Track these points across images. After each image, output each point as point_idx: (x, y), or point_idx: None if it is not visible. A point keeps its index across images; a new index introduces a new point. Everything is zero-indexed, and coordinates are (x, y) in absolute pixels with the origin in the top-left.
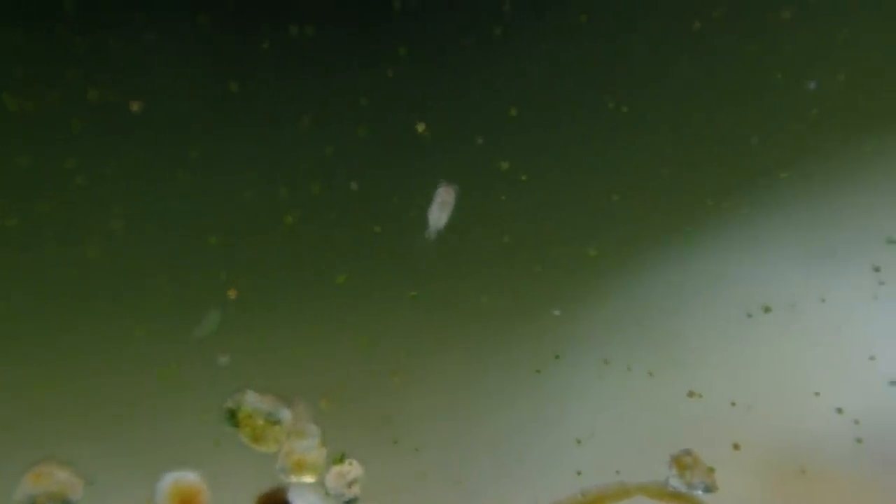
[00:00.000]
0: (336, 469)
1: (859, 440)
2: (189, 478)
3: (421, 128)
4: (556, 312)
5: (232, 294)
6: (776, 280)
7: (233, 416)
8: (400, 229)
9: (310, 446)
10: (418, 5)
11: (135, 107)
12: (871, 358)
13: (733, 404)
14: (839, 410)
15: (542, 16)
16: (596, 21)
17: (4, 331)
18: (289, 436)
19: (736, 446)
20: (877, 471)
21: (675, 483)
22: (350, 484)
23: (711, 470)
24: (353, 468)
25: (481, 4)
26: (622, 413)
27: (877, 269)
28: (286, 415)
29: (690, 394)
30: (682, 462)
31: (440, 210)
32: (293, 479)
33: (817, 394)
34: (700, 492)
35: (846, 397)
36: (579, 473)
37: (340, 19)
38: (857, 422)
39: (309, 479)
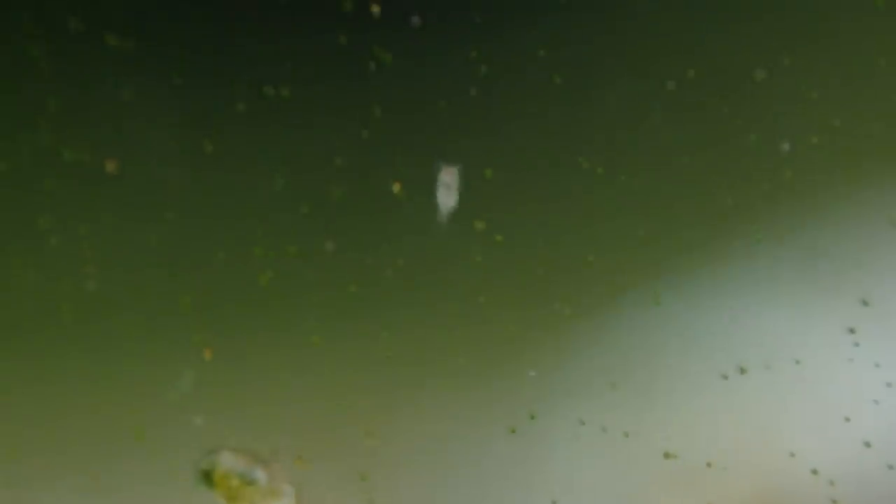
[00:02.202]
0: None
1: (834, 501)
2: None
3: (396, 188)
4: (532, 373)
5: (207, 355)
6: (751, 341)
7: (208, 477)
8: (376, 289)
9: None
10: (393, 66)
11: (110, 167)
12: (846, 419)
13: (709, 465)
14: (814, 471)
15: (517, 77)
16: (570, 82)
17: None
18: (264, 496)
19: None
20: None
21: None
22: None
23: None
24: None
25: (457, 65)
26: (598, 474)
27: (851, 331)
28: (261, 475)
29: (666, 455)
30: None
31: (446, 192)
32: None
33: (792, 454)
34: None
35: (821, 458)
36: None
37: (315, 80)
38: (832, 482)
39: None
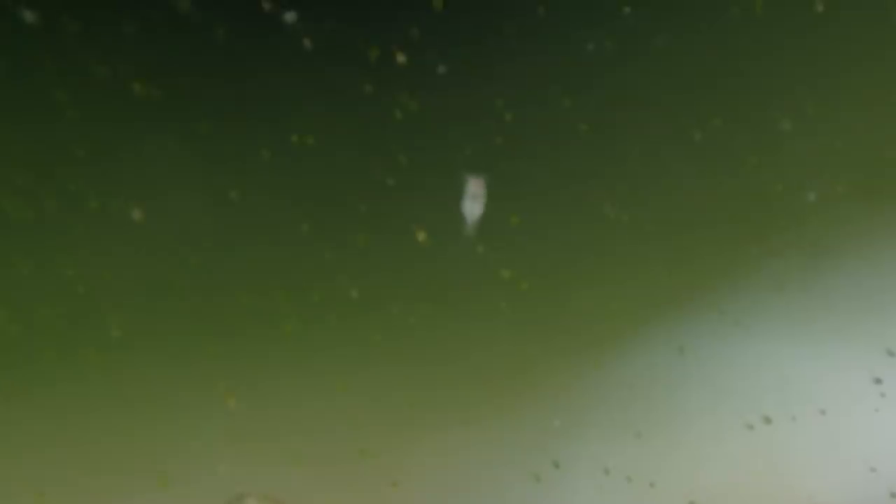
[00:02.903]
0: None
1: None
2: None
3: (421, 236)
4: (557, 422)
5: (231, 402)
6: (777, 391)
7: None
8: (400, 337)
9: None
10: (419, 114)
11: (136, 214)
12: (873, 470)
13: None
14: None
15: (542, 124)
16: (596, 129)
17: (4, 438)
18: None
19: None
20: None
21: None
22: None
23: None
24: None
25: (482, 113)
26: None
27: (878, 381)
28: None
29: None
30: None
31: (472, 202)
32: None
33: None
34: None
35: None
36: None
37: (341, 127)
38: None
39: None
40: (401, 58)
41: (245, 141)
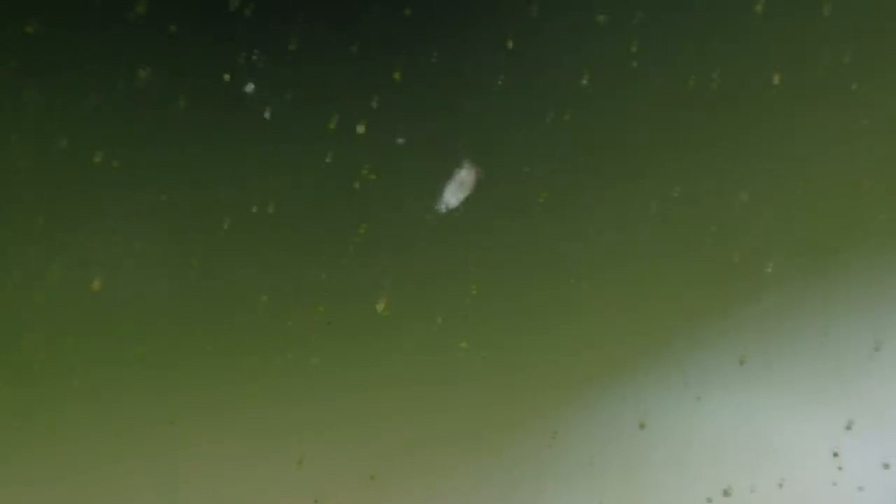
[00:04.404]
0: None
1: None
2: None
3: (381, 306)
4: (515, 497)
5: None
6: (735, 464)
7: None
8: (361, 404)
9: None
10: (377, 182)
11: (96, 284)
12: None
13: None
14: None
15: (500, 194)
16: (556, 199)
17: None
18: None
19: None
20: None
21: None
22: None
23: None
24: None
25: (439, 183)
26: None
27: (835, 455)
28: None
29: None
30: None
31: (457, 189)
32: None
33: None
34: None
35: None
36: None
37: (301, 197)
38: None
39: None
40: (360, 128)
41: (205, 211)
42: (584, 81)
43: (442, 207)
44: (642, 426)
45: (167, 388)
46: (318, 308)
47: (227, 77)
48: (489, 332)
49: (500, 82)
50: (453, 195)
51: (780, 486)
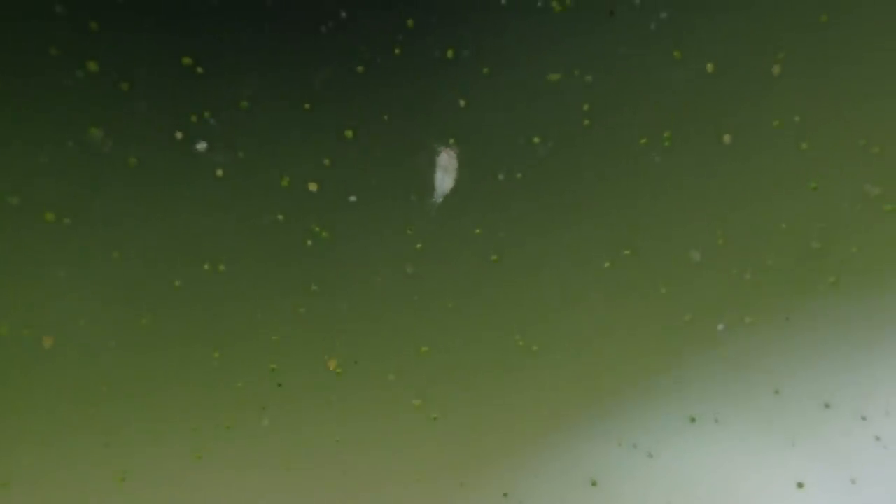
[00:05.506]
0: None
1: None
2: None
3: (332, 365)
4: None
5: None
6: (701, 498)
7: None
8: (310, 467)
9: None
10: (329, 240)
11: (47, 342)
12: None
13: None
14: None
15: (453, 256)
16: (506, 260)
17: None
18: None
19: None
20: None
21: None
22: None
23: None
24: None
25: (393, 242)
26: None
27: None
28: None
29: None
30: None
31: (444, 174)
32: None
33: None
34: None
35: None
36: None
37: (252, 256)
38: None
39: None
40: (312, 186)
41: (157, 268)
42: (536, 140)
43: (438, 198)
44: (594, 483)
45: (118, 443)
46: (269, 367)
47: (179, 135)
48: (439, 391)
49: (451, 140)
50: (443, 181)
51: None
